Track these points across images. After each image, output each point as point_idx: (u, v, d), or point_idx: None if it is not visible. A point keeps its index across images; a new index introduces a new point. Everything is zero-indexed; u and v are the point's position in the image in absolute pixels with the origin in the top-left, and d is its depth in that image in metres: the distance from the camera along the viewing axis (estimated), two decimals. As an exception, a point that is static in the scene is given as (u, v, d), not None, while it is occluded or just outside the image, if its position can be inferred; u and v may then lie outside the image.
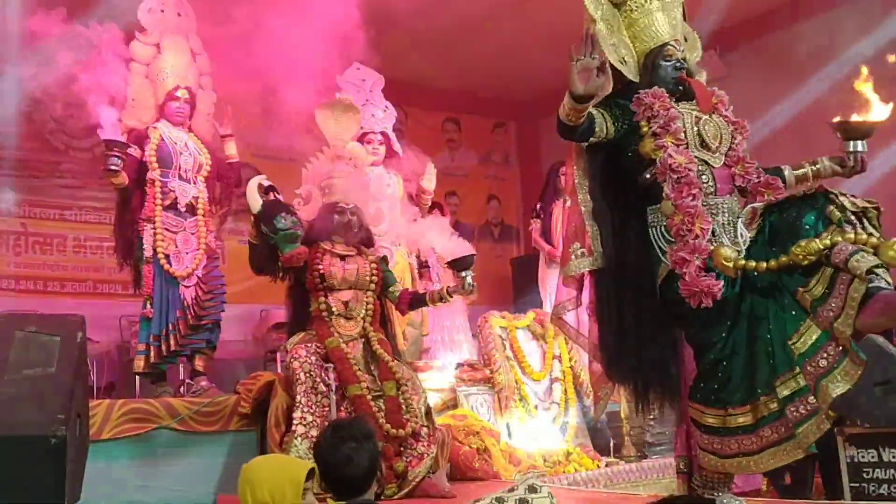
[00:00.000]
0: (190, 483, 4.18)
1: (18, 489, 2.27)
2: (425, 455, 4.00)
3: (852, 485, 3.68)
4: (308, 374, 3.97)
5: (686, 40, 3.17)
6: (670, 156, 2.84)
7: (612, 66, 2.88)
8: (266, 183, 4.38)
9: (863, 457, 3.66)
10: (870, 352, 3.62)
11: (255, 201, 4.23)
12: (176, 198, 4.76)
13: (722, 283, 2.72)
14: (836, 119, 2.99)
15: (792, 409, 2.63)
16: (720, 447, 2.78)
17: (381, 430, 3.82)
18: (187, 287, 4.69)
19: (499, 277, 9.17)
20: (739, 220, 2.88)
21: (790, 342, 2.66)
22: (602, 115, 2.90)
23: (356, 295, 4.31)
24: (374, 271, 4.38)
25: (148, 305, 4.64)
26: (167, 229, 4.71)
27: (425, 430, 4.08)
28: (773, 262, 2.65)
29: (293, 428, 3.89)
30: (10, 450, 2.26)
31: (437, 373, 5.50)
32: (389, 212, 5.49)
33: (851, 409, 3.62)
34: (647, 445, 5.50)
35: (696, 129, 2.95)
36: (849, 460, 3.69)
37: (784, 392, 2.66)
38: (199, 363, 4.78)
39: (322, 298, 4.26)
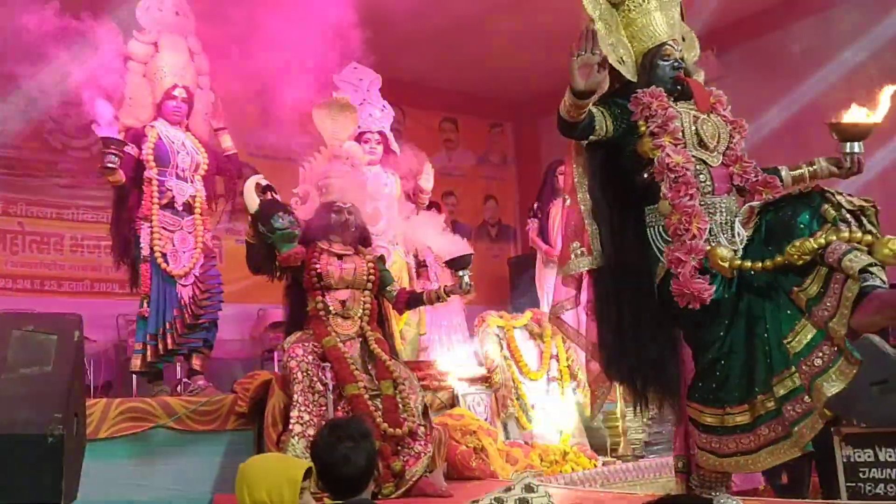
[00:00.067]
0: (187, 482, 4.17)
1: (15, 488, 2.26)
2: (422, 454, 4.00)
3: (848, 484, 3.69)
4: (305, 374, 3.97)
5: (684, 40, 3.17)
6: (668, 155, 2.84)
7: (609, 65, 2.88)
8: (263, 182, 4.38)
9: (859, 456, 3.67)
10: (866, 351, 3.63)
11: (253, 201, 4.23)
12: (173, 197, 4.76)
13: (712, 288, 2.72)
14: (833, 120, 2.99)
15: (789, 407, 2.64)
16: (718, 446, 2.79)
17: (378, 430, 3.82)
18: (184, 286, 4.68)
19: (496, 277, 9.18)
20: (737, 219, 2.88)
21: (785, 341, 2.66)
22: (602, 113, 2.91)
23: (353, 294, 4.31)
24: (372, 270, 4.38)
25: (144, 304, 4.64)
26: (164, 228, 4.71)
27: (422, 429, 4.08)
28: (768, 262, 2.65)
29: (290, 427, 3.89)
30: (7, 449, 2.26)
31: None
32: (387, 211, 5.50)
33: (848, 409, 3.63)
34: (643, 445, 5.51)
35: (693, 128, 2.95)
36: (845, 460, 3.70)
37: (781, 391, 2.66)
38: (196, 362, 4.78)
39: (319, 298, 4.26)
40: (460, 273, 4.33)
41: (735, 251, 2.77)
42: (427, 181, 5.88)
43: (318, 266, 4.25)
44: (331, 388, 3.98)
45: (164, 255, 4.66)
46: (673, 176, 2.83)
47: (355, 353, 4.20)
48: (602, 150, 3.04)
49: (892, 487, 3.59)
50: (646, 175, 2.93)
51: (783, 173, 3.08)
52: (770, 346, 2.70)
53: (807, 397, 2.61)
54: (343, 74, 5.73)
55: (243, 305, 7.00)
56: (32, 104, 6.47)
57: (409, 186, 5.87)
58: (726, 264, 2.70)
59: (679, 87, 3.01)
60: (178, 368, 5.14)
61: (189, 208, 4.83)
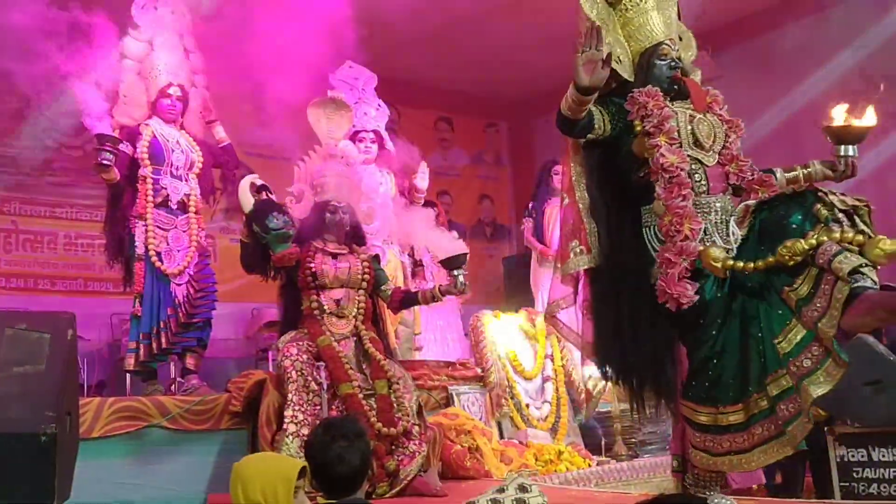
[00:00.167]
0: (181, 481, 4.16)
1: (7, 487, 2.25)
2: (417, 454, 4.00)
3: (842, 484, 3.69)
4: (300, 373, 3.96)
5: (681, 39, 3.17)
6: (662, 155, 2.84)
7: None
8: (258, 182, 4.37)
9: (853, 456, 3.67)
10: (860, 351, 3.65)
11: (248, 200, 4.23)
12: (168, 195, 4.74)
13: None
14: (828, 123, 3.00)
15: (782, 406, 2.64)
16: (712, 445, 2.79)
17: (372, 429, 3.81)
18: (179, 285, 4.67)
19: (491, 276, 9.19)
20: (732, 218, 2.88)
21: (775, 341, 2.66)
22: (600, 112, 2.92)
23: (348, 293, 4.30)
24: (366, 270, 4.37)
25: (137, 303, 4.63)
26: (159, 227, 4.69)
27: (417, 428, 4.07)
28: (760, 262, 2.66)
29: (284, 426, 3.88)
30: (-1, 448, 2.25)
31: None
32: (381, 210, 5.50)
33: (841, 409, 3.63)
34: (638, 444, 5.51)
35: (689, 127, 2.95)
36: (839, 460, 3.70)
37: (774, 391, 2.66)
38: (190, 361, 4.76)
39: (314, 297, 4.25)
40: (455, 272, 4.33)
41: (728, 251, 2.78)
42: (422, 180, 5.88)
43: (312, 265, 4.24)
44: (325, 387, 3.97)
45: (158, 254, 4.64)
46: (667, 176, 2.83)
47: (350, 352, 4.19)
48: (599, 148, 3.04)
49: (885, 487, 3.59)
50: (641, 175, 2.94)
51: (778, 175, 3.09)
52: (764, 346, 2.70)
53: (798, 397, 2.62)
54: (338, 73, 5.73)
55: (238, 304, 7.00)
56: (25, 102, 6.47)
57: (403, 182, 5.87)
58: (719, 264, 2.70)
59: (676, 87, 3.02)
60: (172, 367, 5.13)
61: (183, 207, 4.82)
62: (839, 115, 2.96)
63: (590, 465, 5.10)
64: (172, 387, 4.84)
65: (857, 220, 2.61)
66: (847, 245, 2.52)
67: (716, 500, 2.84)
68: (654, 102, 2.91)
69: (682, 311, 2.74)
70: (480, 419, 5.16)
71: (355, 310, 4.31)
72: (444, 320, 6.52)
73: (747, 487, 4.19)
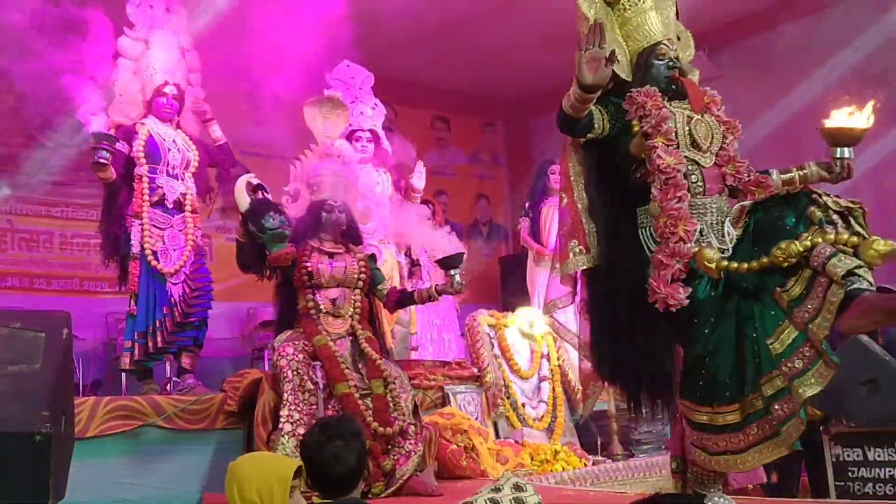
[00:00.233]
0: (176, 481, 4.16)
1: (2, 487, 2.25)
2: (413, 453, 4.00)
3: (837, 484, 3.71)
4: (295, 372, 3.96)
5: (679, 39, 3.17)
6: (659, 156, 2.84)
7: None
8: (255, 181, 4.37)
9: (848, 456, 3.69)
10: (855, 351, 3.66)
11: (244, 200, 4.22)
12: (164, 194, 4.74)
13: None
14: (824, 125, 3.00)
15: (777, 407, 2.64)
16: (709, 444, 2.79)
17: (368, 429, 3.81)
18: (174, 284, 4.66)
19: (487, 276, 9.19)
20: (727, 219, 2.88)
21: (768, 342, 2.66)
22: (600, 111, 2.91)
23: (344, 293, 4.30)
24: (363, 269, 4.37)
25: (133, 302, 4.62)
26: (155, 226, 4.68)
27: (413, 428, 4.07)
28: (754, 264, 2.65)
29: (280, 426, 3.88)
30: (-5, 447, 2.25)
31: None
32: (378, 209, 5.49)
33: (837, 409, 3.64)
34: (634, 444, 5.52)
35: (687, 128, 2.95)
36: (834, 459, 3.72)
37: (769, 391, 2.66)
38: (185, 361, 4.76)
39: (310, 296, 4.25)
40: (451, 272, 4.32)
41: (724, 251, 2.77)
42: (419, 180, 5.88)
43: (308, 264, 4.24)
44: (321, 386, 3.97)
45: (154, 253, 4.63)
46: (663, 178, 2.82)
47: (346, 351, 4.19)
48: (597, 148, 3.04)
49: (880, 487, 3.61)
50: (639, 175, 2.94)
51: (774, 176, 3.08)
52: (759, 346, 2.70)
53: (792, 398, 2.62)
54: (335, 72, 5.72)
55: (233, 304, 6.98)
56: (21, 101, 6.44)
57: (400, 180, 5.86)
58: (713, 265, 2.70)
59: (674, 87, 3.01)
60: (168, 367, 5.12)
61: (179, 206, 4.81)
62: (837, 116, 2.95)
63: (586, 465, 5.10)
64: (168, 386, 4.83)
65: (852, 221, 2.61)
66: (842, 247, 2.51)
67: (714, 500, 2.84)
68: (652, 102, 2.90)
69: (677, 309, 2.74)
70: (476, 419, 5.17)
71: (351, 309, 4.30)
72: (441, 320, 6.52)
73: (745, 487, 4.20)
